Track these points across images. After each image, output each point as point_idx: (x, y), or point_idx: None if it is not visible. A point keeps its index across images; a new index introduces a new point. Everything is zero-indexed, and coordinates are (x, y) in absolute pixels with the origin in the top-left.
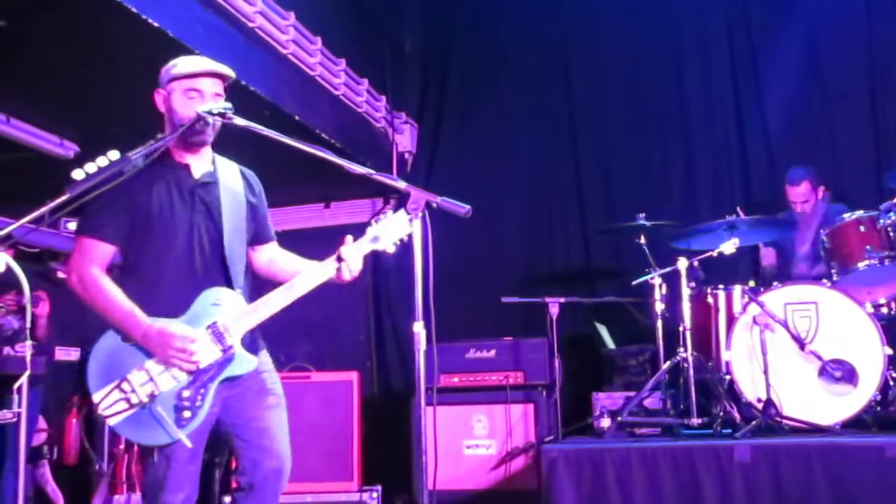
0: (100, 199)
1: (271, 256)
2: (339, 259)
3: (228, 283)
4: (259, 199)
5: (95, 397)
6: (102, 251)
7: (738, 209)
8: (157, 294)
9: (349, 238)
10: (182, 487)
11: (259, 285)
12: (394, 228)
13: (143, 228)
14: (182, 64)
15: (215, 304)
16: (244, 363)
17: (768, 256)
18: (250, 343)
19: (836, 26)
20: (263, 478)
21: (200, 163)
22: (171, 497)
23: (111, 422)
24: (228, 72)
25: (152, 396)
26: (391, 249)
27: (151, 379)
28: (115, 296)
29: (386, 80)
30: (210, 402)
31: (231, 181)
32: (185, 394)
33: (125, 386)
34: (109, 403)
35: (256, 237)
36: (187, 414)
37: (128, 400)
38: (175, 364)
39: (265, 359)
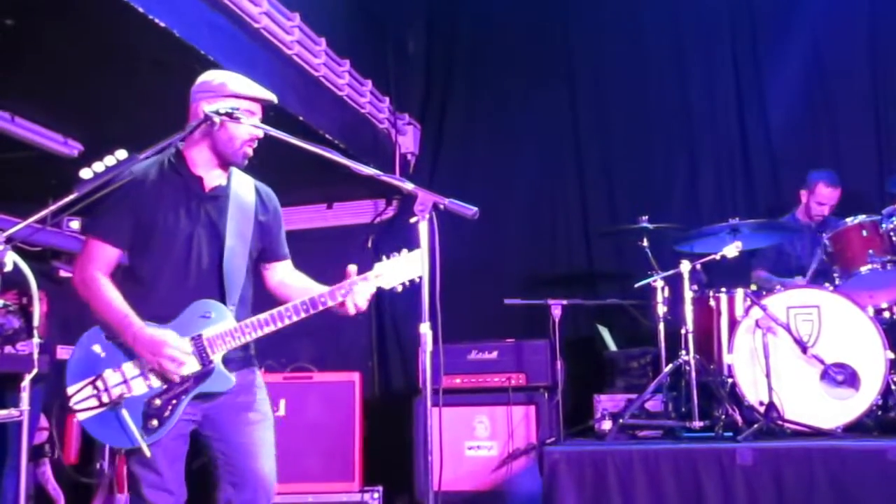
0: (108, 201)
1: (282, 278)
2: (347, 293)
3: (222, 299)
4: (271, 217)
5: (69, 390)
6: (106, 253)
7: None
8: (150, 299)
9: (352, 268)
10: (168, 487)
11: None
12: (404, 269)
13: (145, 235)
14: (242, 84)
15: (204, 317)
16: (220, 381)
17: None
18: (241, 360)
19: (840, 30)
20: (246, 499)
21: (214, 176)
22: (158, 496)
23: (79, 417)
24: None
25: (122, 398)
26: (399, 289)
27: (125, 381)
28: (112, 298)
29: (389, 81)
30: (179, 414)
31: (243, 196)
32: (156, 402)
33: (99, 384)
34: (81, 398)
35: (266, 254)
36: (154, 423)
37: (98, 398)
38: (159, 370)
39: (256, 378)
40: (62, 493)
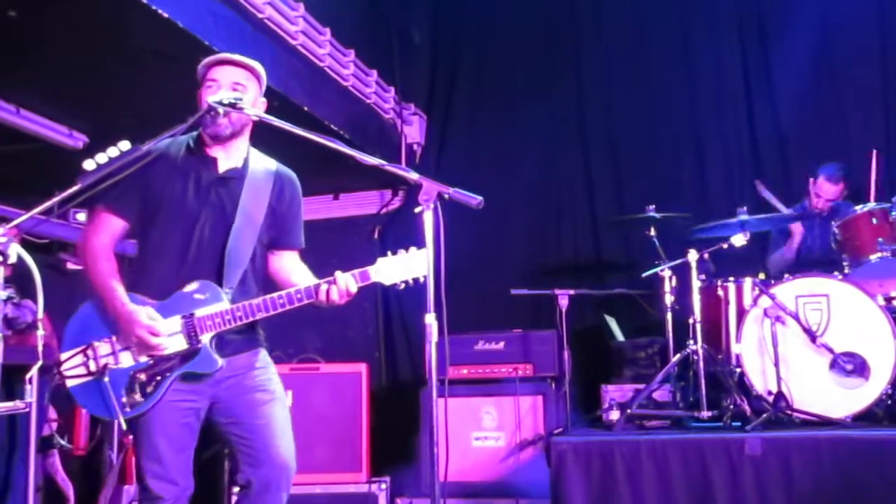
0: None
1: (283, 265)
2: (330, 283)
3: (219, 280)
4: (285, 205)
5: (63, 356)
6: (111, 224)
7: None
8: (149, 275)
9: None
10: (172, 478)
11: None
12: (406, 266)
13: (152, 212)
14: (205, 63)
15: (198, 297)
16: (206, 363)
17: (797, 231)
18: (244, 342)
19: (848, 17)
20: (263, 477)
21: (229, 158)
22: (161, 487)
23: (68, 383)
24: (242, 59)
25: (107, 368)
26: (401, 287)
27: (113, 352)
28: (104, 270)
29: (394, 72)
30: (164, 392)
31: (260, 180)
32: (141, 377)
33: (89, 352)
34: (71, 366)
35: (275, 242)
36: (137, 397)
37: (86, 366)
38: (135, 349)
39: (261, 359)
40: (71, 485)
